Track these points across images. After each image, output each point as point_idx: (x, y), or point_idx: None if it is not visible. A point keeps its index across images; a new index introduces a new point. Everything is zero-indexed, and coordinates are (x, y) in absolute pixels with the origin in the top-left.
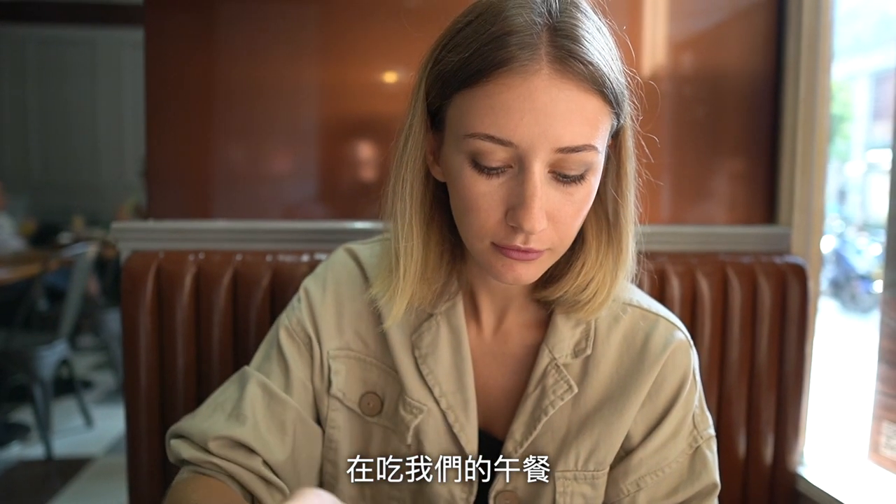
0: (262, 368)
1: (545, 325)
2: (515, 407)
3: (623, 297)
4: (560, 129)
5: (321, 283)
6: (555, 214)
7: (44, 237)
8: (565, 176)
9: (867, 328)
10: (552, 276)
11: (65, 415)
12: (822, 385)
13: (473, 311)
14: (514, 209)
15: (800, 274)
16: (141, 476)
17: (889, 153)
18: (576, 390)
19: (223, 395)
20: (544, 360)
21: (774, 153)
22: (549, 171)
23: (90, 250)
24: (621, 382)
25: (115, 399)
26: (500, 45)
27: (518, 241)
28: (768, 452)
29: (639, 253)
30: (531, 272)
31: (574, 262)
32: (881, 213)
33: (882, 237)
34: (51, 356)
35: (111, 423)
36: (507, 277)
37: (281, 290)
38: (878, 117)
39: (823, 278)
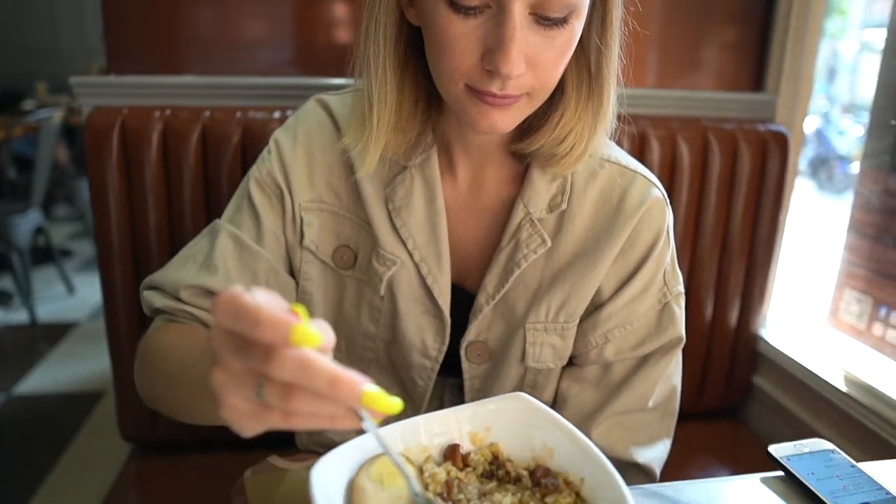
0: (233, 220)
1: (521, 179)
2: (488, 261)
3: (601, 152)
4: None
5: (292, 135)
6: (534, 59)
7: (5, 104)
8: (547, 18)
9: (840, 207)
10: (529, 128)
11: (46, 283)
12: (789, 256)
13: (448, 165)
14: (492, 52)
15: (781, 142)
16: (119, 335)
17: (884, 31)
18: (549, 244)
19: (194, 247)
20: (519, 214)
21: (768, 20)
22: (529, 13)
23: (56, 115)
24: (595, 237)
25: (94, 267)
26: None
27: (494, 87)
28: (734, 315)
29: (620, 115)
30: (507, 120)
31: (552, 114)
32: (869, 94)
33: (866, 118)
34: (25, 224)
35: (93, 290)
36: (482, 125)
37: (252, 147)
38: None
39: (802, 158)
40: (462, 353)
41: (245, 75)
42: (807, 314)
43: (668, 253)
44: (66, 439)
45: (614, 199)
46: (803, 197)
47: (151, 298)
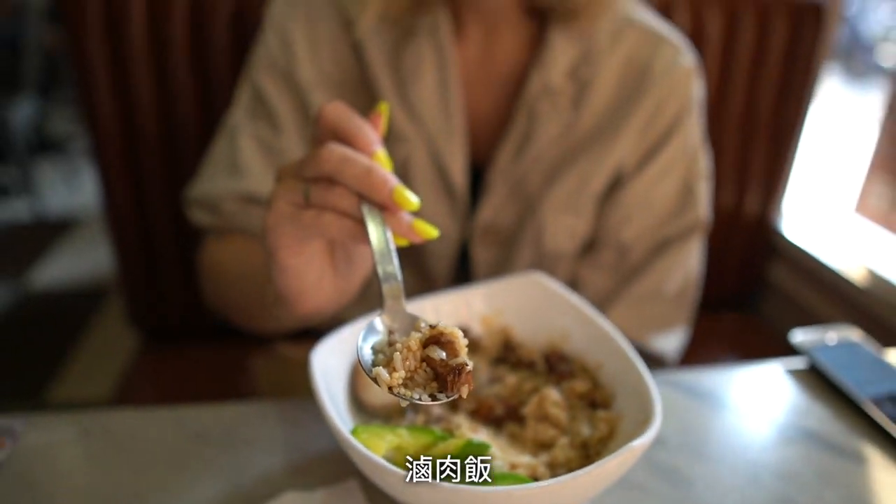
0: (249, 113)
1: (538, 44)
2: (501, 135)
3: (626, 10)
4: None
5: (290, 5)
6: None
7: None
8: None
9: (865, 99)
10: None
11: (50, 174)
12: (813, 145)
13: (457, 27)
14: None
15: (815, 16)
16: (121, 223)
17: None
18: (568, 117)
19: (218, 153)
20: (534, 83)
21: None
22: None
23: None
24: (618, 108)
25: None
26: None
27: None
28: (752, 203)
29: None
30: None
31: None
32: None
33: None
34: (18, 113)
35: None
36: None
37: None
38: None
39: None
40: (474, 235)
41: None
42: (828, 205)
43: (695, 127)
44: (78, 332)
45: (640, 65)
46: (829, 86)
47: (198, 218)
